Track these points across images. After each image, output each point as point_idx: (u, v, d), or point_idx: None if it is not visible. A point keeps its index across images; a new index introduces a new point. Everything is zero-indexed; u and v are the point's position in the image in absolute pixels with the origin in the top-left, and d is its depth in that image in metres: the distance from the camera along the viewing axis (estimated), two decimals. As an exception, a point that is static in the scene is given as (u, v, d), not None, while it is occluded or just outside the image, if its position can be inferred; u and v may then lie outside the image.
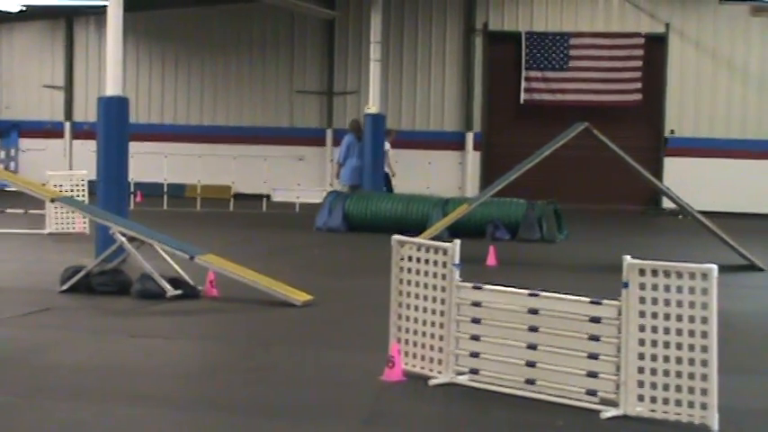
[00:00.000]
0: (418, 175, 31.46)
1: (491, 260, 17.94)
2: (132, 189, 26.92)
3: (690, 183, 28.89)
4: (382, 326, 9.87)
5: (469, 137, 32.78)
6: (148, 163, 30.36)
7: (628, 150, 19.09)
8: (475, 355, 9.15)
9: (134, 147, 18.43)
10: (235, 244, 20.07)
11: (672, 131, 31.73)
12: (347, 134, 27.15)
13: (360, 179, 26.59)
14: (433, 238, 13.46)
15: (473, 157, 32.77)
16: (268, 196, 30.80)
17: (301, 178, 31.03)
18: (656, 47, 31.57)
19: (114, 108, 17.22)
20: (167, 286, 13.53)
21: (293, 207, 29.29)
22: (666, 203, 29.20)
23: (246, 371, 9.90)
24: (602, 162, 26.50)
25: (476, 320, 9.14)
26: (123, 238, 13.89)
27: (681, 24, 31.59)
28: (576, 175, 31.04)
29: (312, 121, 34.22)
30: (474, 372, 9.18)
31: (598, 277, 16.34)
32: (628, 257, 8.31)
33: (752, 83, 31.29)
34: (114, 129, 17.29)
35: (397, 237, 9.66)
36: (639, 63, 31.40)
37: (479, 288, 9.17)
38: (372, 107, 28.01)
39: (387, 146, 27.24)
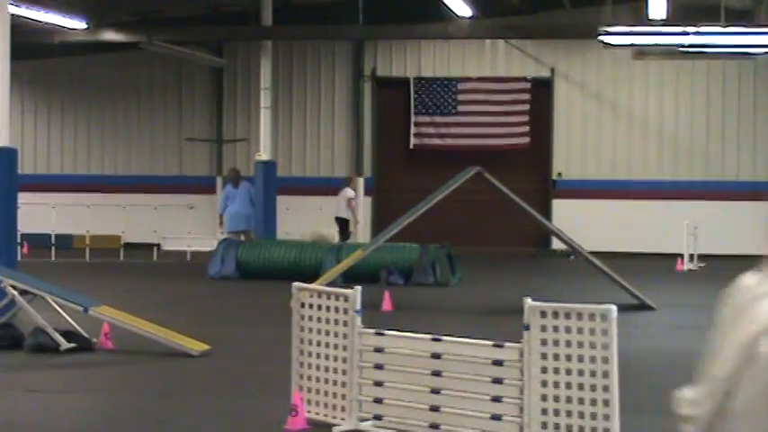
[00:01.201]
0: (310, 220, 31.40)
1: (386, 305, 17.94)
2: (18, 240, 26.46)
3: (578, 224, 29.23)
4: (283, 374, 9.81)
5: (360, 182, 32.87)
6: (35, 214, 29.90)
7: (517, 193, 19.29)
8: (378, 400, 9.14)
9: (20, 197, 18.12)
10: (127, 294, 19.80)
11: (559, 174, 32.17)
12: (227, 184, 27.17)
13: (243, 224, 26.43)
14: (328, 285, 13.44)
15: (364, 203, 32.83)
16: (158, 245, 30.50)
17: (192, 227, 30.81)
18: (542, 91, 32.04)
19: (3, 159, 16.94)
20: (61, 340, 13.30)
21: (185, 256, 29.04)
22: (557, 244, 29.52)
23: (146, 423, 9.76)
24: (493, 205, 26.75)
25: (379, 366, 9.13)
26: (15, 292, 13.63)
27: (566, 68, 32.12)
28: (467, 218, 31.26)
29: (202, 170, 34.04)
30: (378, 418, 9.16)
31: (494, 320, 16.48)
32: (528, 300, 8.38)
33: (636, 125, 31.90)
34: (3, 180, 17.01)
35: (297, 284, 9.63)
36: (527, 107, 31.82)
37: (382, 334, 9.18)
38: (263, 154, 27.98)
39: (351, 192, 27.09)
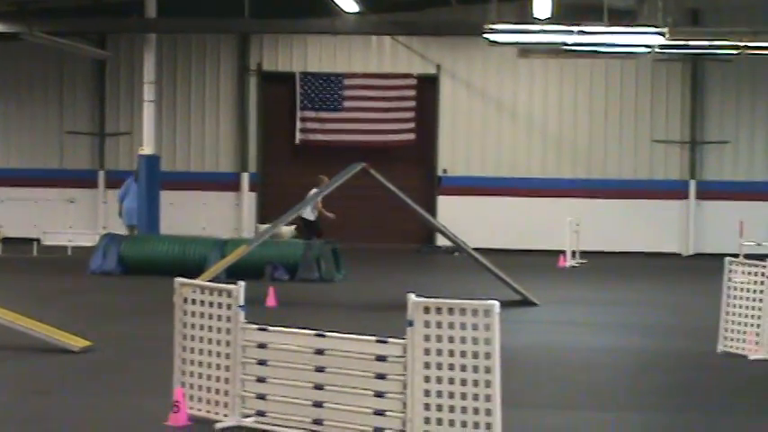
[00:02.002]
0: (194, 216, 31.17)
1: (271, 301, 17.87)
2: None
3: (462, 220, 29.42)
4: (166, 370, 9.69)
5: (245, 177, 32.66)
6: None
7: (403, 190, 19.32)
8: (261, 396, 9.07)
9: None
10: (5, 290, 19.40)
11: (444, 170, 32.32)
12: (131, 176, 26.98)
13: (136, 219, 26.24)
14: (212, 280, 13.34)
15: (249, 198, 32.64)
16: (38, 240, 29.95)
17: (73, 221, 30.32)
18: (428, 87, 32.16)
19: None
20: (-64, 335, 13.00)
21: (65, 251, 28.58)
22: (441, 241, 29.69)
23: (23, 421, 9.56)
24: (379, 201, 26.77)
25: (262, 362, 9.06)
26: None
27: (452, 65, 32.27)
28: (353, 214, 31.24)
29: (83, 163, 33.52)
30: (261, 414, 9.09)
31: (378, 316, 16.49)
32: (412, 296, 8.37)
33: (520, 123, 32.18)
34: None
35: (179, 279, 9.52)
36: (412, 103, 31.91)
37: (265, 329, 9.10)
38: (146, 148, 27.66)
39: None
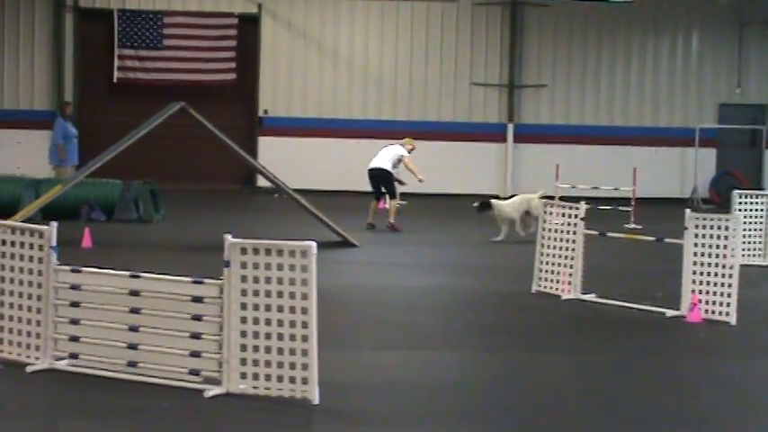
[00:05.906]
0: (7, 155, 30.37)
1: (87, 242, 17.56)
2: None
3: (283, 162, 29.33)
4: (-25, 313, 9.45)
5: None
6: None
7: (223, 130, 19.15)
8: (75, 339, 8.93)
9: None
10: None
11: (266, 111, 32.15)
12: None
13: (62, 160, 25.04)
14: (26, 221, 13.04)
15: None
16: None
17: None
18: (249, 27, 31.84)
19: None
20: None
21: None
22: (262, 182, 29.56)
23: None
24: (199, 141, 26.49)
25: (75, 304, 8.92)
26: None
27: (273, 5, 32.01)
28: (172, 154, 30.88)
29: None
30: (74, 356, 8.96)
31: (198, 257, 16.37)
32: (229, 237, 8.34)
33: (342, 64, 32.16)
34: None
35: (-11, 220, 9.29)
36: (233, 43, 31.58)
37: (78, 271, 8.95)
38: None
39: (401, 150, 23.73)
